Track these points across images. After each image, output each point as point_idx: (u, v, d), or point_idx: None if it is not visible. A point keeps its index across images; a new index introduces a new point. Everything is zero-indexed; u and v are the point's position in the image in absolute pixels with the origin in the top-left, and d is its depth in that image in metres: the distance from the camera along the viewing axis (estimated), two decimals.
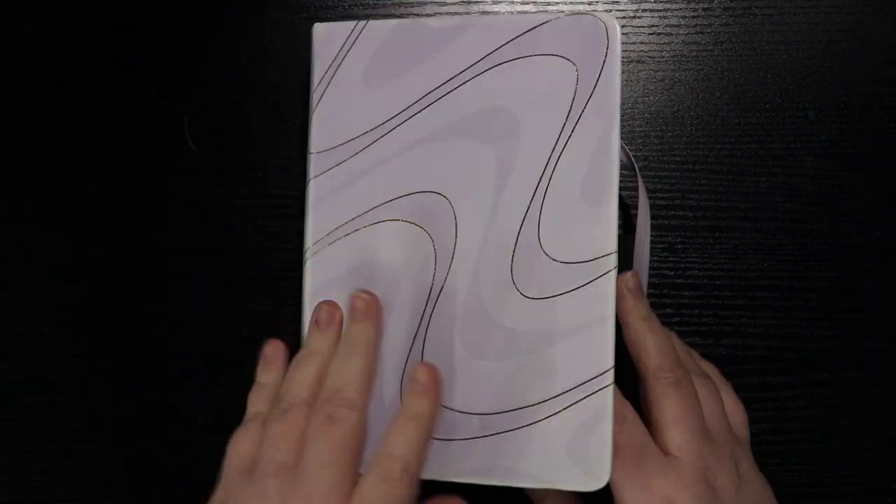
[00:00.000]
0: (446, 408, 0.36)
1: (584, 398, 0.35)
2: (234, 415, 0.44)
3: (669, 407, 0.35)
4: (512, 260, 0.36)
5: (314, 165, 0.37)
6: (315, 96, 0.37)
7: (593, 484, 0.34)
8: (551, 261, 0.35)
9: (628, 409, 0.35)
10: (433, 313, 0.36)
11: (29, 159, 0.44)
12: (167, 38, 0.44)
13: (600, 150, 0.35)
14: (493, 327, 0.36)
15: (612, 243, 0.35)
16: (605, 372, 0.35)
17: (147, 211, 0.44)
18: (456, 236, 0.36)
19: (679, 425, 0.34)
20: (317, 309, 0.36)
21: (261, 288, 0.43)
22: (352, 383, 0.33)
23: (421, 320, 0.36)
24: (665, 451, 0.34)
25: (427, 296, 0.36)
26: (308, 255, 0.37)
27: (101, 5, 0.44)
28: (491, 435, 0.35)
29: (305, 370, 0.34)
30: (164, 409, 0.43)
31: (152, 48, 0.44)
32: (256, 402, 0.36)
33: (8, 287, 0.44)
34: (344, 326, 0.36)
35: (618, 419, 0.34)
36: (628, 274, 0.36)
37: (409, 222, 0.37)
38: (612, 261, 0.35)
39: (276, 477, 0.31)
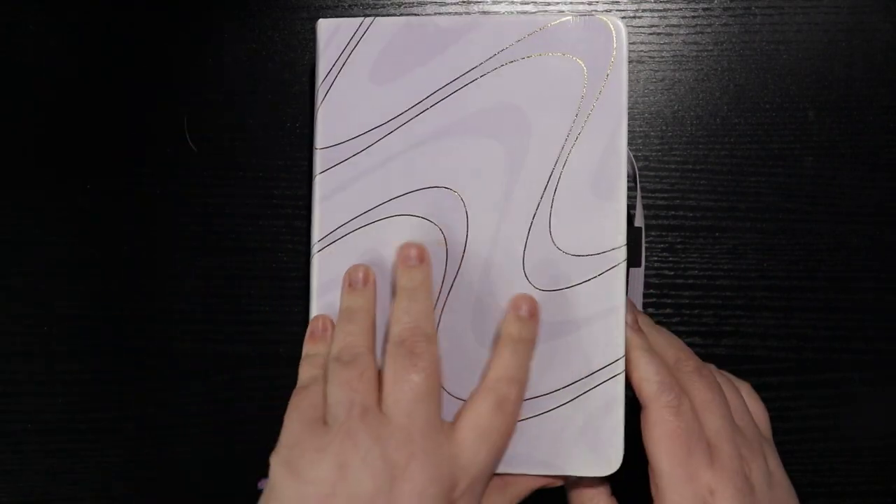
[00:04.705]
0: (461, 399, 0.36)
1: (596, 386, 0.36)
2: (234, 414, 0.44)
3: (699, 391, 0.33)
4: (524, 253, 0.36)
5: (320, 161, 0.37)
6: (320, 92, 0.37)
7: (607, 469, 0.35)
8: (562, 254, 0.36)
9: (684, 397, 0.33)
10: (445, 305, 0.36)
11: (29, 159, 0.44)
12: (167, 38, 0.44)
13: (610, 146, 0.36)
14: None
15: (621, 236, 0.36)
16: (616, 360, 0.36)
17: (147, 211, 0.44)
18: (467, 230, 0.37)
19: (711, 409, 0.33)
20: (351, 272, 0.36)
21: (261, 288, 0.43)
22: (424, 319, 0.33)
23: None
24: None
25: (439, 288, 0.36)
26: (315, 250, 0.37)
27: (101, 5, 0.44)
28: None
29: (357, 325, 0.34)
30: (163, 408, 0.43)
31: (152, 48, 0.44)
32: (309, 369, 0.35)
33: (8, 287, 0.44)
34: (395, 276, 0.36)
35: (672, 406, 0.33)
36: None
37: (420, 217, 0.37)
38: (622, 253, 0.36)
39: (362, 419, 0.31)
